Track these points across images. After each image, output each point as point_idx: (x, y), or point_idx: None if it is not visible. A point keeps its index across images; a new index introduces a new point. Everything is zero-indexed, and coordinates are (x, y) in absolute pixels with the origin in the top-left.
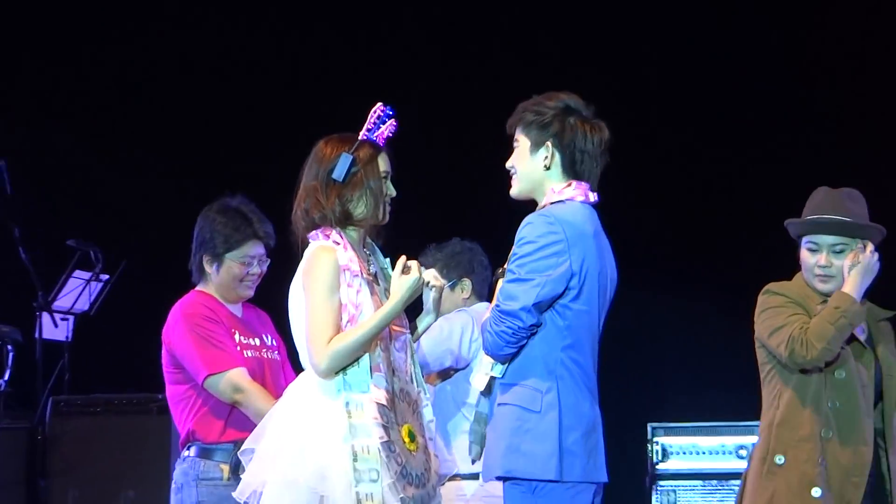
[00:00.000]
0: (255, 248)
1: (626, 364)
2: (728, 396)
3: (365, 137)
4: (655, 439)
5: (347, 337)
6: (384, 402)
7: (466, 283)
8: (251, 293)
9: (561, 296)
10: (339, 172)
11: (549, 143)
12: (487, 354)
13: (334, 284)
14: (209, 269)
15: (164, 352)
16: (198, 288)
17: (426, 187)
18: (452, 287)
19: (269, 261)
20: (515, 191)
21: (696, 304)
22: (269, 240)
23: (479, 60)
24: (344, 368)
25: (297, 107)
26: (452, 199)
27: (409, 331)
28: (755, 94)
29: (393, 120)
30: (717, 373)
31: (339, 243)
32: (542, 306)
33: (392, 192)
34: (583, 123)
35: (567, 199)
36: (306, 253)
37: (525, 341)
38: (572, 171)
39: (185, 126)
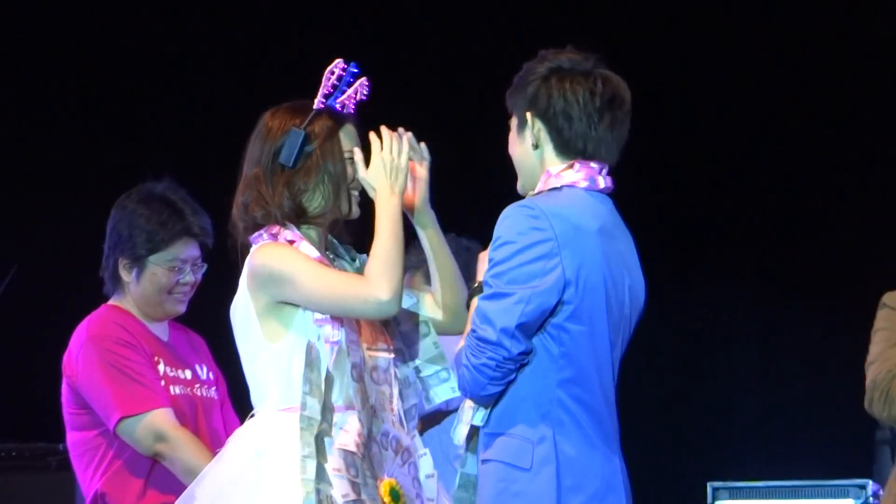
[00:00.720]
0: (188, 249)
1: (679, 406)
2: (813, 448)
3: (321, 105)
4: (717, 503)
5: (373, 258)
6: (353, 449)
7: None
8: (182, 308)
9: (553, 313)
10: (287, 154)
11: (529, 115)
12: (466, 397)
13: (313, 259)
14: (127, 276)
15: (64, 387)
16: (111, 302)
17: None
18: None
19: (205, 266)
20: (519, 185)
21: (773, 327)
22: (205, 238)
23: (479, 22)
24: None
25: (243, 68)
26: (448, 184)
27: (393, 354)
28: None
29: (364, 79)
30: (799, 418)
31: (293, 241)
32: (529, 328)
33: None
34: (561, 80)
35: (566, 185)
36: (249, 257)
37: (514, 375)
38: (564, 145)
39: (97, 86)
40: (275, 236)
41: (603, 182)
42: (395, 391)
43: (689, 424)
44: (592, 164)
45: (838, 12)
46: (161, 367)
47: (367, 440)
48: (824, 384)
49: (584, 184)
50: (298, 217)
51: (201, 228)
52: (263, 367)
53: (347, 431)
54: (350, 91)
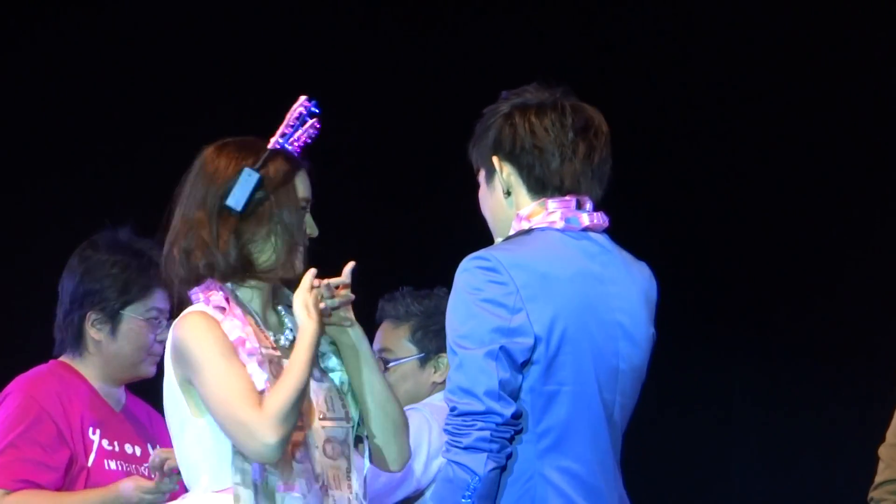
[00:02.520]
0: (164, 301)
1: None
2: None
3: (278, 146)
4: None
5: (279, 392)
6: None
7: (444, 361)
8: (153, 371)
9: (522, 374)
10: (238, 198)
11: (496, 160)
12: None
13: (229, 350)
14: (98, 334)
15: None
16: (62, 358)
17: (386, 207)
18: (423, 363)
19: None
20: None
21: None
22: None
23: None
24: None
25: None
26: (430, 227)
27: (350, 424)
28: None
29: (315, 120)
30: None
31: (224, 309)
32: (511, 386)
33: (313, 230)
34: (524, 113)
35: (537, 229)
36: (175, 323)
37: (510, 449)
38: (538, 184)
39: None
40: (208, 300)
41: (587, 219)
42: (354, 464)
43: None
44: (568, 199)
45: None
46: (96, 437)
47: None
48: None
49: (560, 224)
50: (245, 270)
51: None
52: (191, 444)
53: None
54: (300, 132)
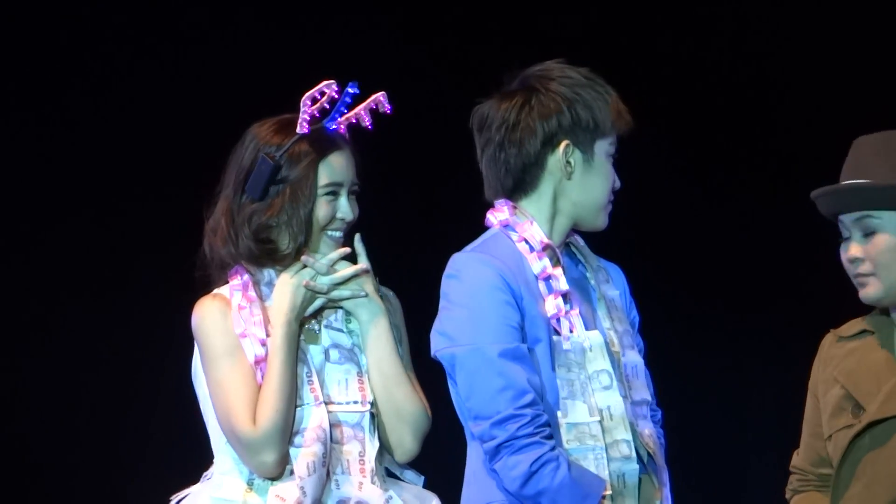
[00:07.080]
0: None
1: None
2: None
3: (305, 130)
4: None
5: (265, 403)
6: None
7: None
8: None
9: None
10: (253, 185)
11: None
12: None
13: (234, 344)
14: None
15: None
16: None
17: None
18: None
19: None
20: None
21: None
22: None
23: None
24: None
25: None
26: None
27: (368, 406)
28: None
29: (381, 94)
30: None
31: (238, 285)
32: None
33: (346, 213)
34: None
35: None
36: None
37: None
38: None
39: None
40: (232, 289)
41: None
42: (369, 447)
43: None
44: None
45: None
46: None
47: None
48: None
49: None
50: (268, 257)
51: None
52: (212, 416)
53: (284, 500)
54: (350, 113)
